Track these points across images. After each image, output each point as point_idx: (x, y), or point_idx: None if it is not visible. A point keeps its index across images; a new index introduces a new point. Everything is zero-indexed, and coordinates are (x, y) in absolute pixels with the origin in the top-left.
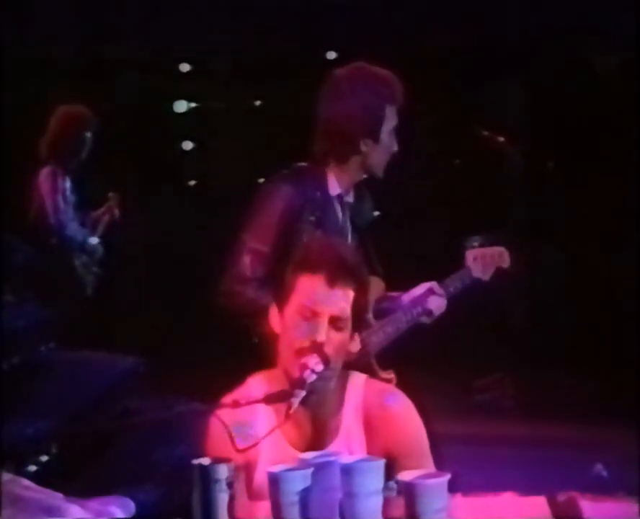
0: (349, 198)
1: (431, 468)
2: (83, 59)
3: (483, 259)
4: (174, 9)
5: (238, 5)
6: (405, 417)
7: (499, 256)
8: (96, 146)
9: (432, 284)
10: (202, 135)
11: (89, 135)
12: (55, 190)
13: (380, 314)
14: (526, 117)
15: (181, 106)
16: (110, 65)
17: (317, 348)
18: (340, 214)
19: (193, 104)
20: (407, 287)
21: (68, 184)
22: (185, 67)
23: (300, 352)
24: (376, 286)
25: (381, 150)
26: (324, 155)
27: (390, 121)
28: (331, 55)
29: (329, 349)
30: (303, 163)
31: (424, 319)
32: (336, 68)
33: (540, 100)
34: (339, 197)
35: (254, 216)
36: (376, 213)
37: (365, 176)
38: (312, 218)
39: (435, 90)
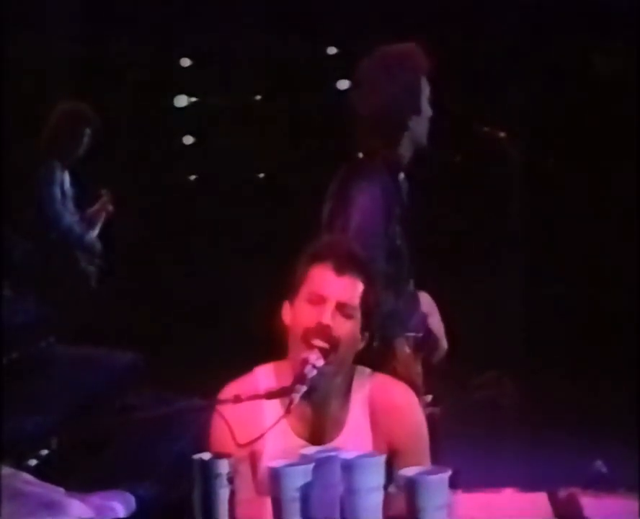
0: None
1: (427, 463)
2: (83, 53)
3: None
4: (175, 3)
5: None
6: (409, 410)
7: None
8: (96, 142)
9: None
10: (203, 130)
11: (88, 132)
12: (52, 182)
13: None
14: (526, 115)
15: (181, 100)
16: (110, 60)
17: (322, 330)
18: (405, 199)
19: (193, 99)
20: None
21: (66, 178)
22: (186, 62)
23: (306, 334)
24: None
25: (423, 119)
26: (378, 148)
27: (425, 89)
28: (332, 50)
29: (337, 333)
30: (361, 155)
31: None
32: (337, 63)
33: (540, 97)
34: (403, 182)
35: (354, 211)
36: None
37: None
38: (398, 211)
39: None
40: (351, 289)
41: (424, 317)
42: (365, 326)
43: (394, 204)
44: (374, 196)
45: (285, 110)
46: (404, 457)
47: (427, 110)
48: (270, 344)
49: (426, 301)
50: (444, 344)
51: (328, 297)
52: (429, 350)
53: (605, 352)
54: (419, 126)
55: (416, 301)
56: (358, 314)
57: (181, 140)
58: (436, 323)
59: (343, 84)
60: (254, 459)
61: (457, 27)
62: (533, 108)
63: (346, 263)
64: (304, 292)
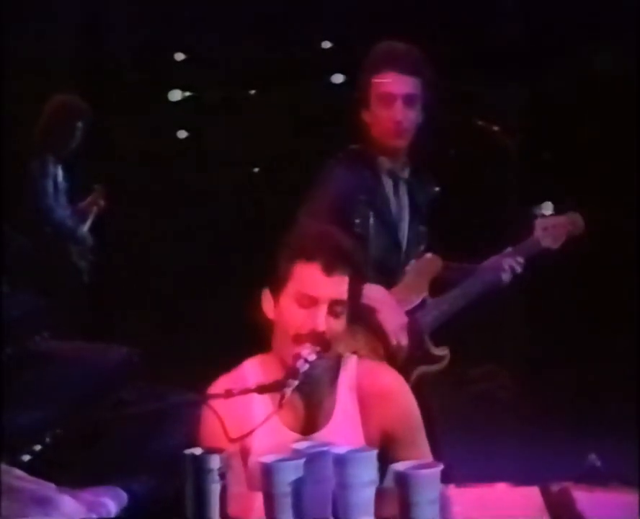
0: (405, 174)
1: (425, 444)
2: (76, 48)
3: (553, 229)
4: None
5: None
6: (398, 393)
7: (572, 223)
8: (88, 136)
9: (507, 250)
10: (197, 124)
11: (80, 125)
12: (44, 175)
13: (447, 285)
14: (522, 109)
15: (175, 95)
16: (103, 55)
17: (317, 336)
18: (391, 190)
19: (188, 93)
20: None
21: (59, 171)
22: (180, 56)
23: (298, 339)
24: (433, 263)
25: (378, 117)
26: (366, 141)
27: (383, 87)
28: (326, 44)
29: (329, 335)
30: (356, 146)
31: (505, 278)
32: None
33: (536, 92)
34: (391, 173)
35: (311, 199)
36: (437, 189)
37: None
38: (363, 198)
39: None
40: (341, 286)
41: (370, 310)
42: (351, 314)
43: (364, 195)
44: (340, 182)
45: (279, 104)
46: (400, 442)
47: (379, 110)
48: (258, 335)
49: (375, 296)
50: (397, 341)
51: (319, 299)
52: (382, 345)
53: (602, 346)
54: (373, 123)
55: None
56: (346, 308)
57: (175, 134)
58: (388, 319)
59: (338, 78)
60: (243, 453)
61: (454, 21)
62: (529, 102)
63: (335, 261)
64: (291, 290)
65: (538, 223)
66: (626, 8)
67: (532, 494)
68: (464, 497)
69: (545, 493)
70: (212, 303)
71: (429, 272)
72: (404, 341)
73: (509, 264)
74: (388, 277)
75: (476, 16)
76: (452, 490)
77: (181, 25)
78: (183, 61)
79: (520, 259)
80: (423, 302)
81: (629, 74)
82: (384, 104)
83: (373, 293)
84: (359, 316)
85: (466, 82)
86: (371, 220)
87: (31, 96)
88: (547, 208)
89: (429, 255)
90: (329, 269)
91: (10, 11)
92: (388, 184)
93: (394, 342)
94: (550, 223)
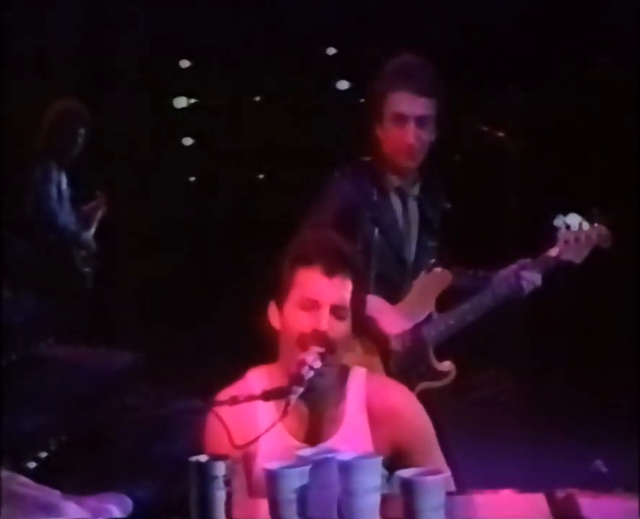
0: (415, 191)
1: (440, 456)
2: (82, 54)
3: (576, 242)
4: (174, 3)
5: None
6: (410, 411)
7: (598, 236)
8: (92, 142)
9: (524, 261)
10: (202, 131)
11: (82, 130)
12: (48, 180)
13: (458, 294)
14: (525, 115)
15: (181, 102)
16: (110, 61)
17: (319, 336)
18: (400, 208)
19: (193, 100)
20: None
21: (63, 177)
22: (185, 63)
23: (302, 340)
24: (442, 278)
25: (390, 135)
26: (379, 155)
27: (396, 107)
28: (331, 51)
29: (332, 336)
30: (367, 158)
31: (523, 289)
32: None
33: (540, 97)
34: (399, 190)
35: (316, 211)
36: (447, 205)
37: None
38: (368, 215)
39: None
40: (343, 290)
41: (368, 320)
42: (355, 323)
43: (369, 212)
44: (345, 198)
45: (284, 111)
46: (414, 457)
47: (394, 129)
48: (263, 344)
49: (374, 306)
50: (397, 346)
51: (321, 302)
52: (380, 355)
53: (604, 352)
54: (385, 140)
55: None
56: (349, 313)
57: (180, 141)
58: (387, 326)
59: (342, 85)
60: (247, 460)
61: (456, 26)
62: (533, 108)
63: (335, 263)
64: (294, 296)
65: (561, 235)
66: (626, 10)
67: (538, 500)
68: (469, 504)
69: (551, 499)
70: (216, 308)
71: (437, 286)
72: (404, 346)
73: (524, 277)
74: (394, 293)
75: (476, 18)
76: (457, 497)
77: (186, 32)
78: (188, 68)
79: (537, 273)
80: (429, 317)
81: (629, 75)
82: (397, 124)
83: (372, 302)
84: (362, 327)
85: (469, 88)
86: (376, 236)
87: (34, 101)
88: (572, 220)
89: (438, 269)
90: (329, 272)
91: (18, 13)
92: (395, 201)
93: (395, 347)
94: (573, 236)
